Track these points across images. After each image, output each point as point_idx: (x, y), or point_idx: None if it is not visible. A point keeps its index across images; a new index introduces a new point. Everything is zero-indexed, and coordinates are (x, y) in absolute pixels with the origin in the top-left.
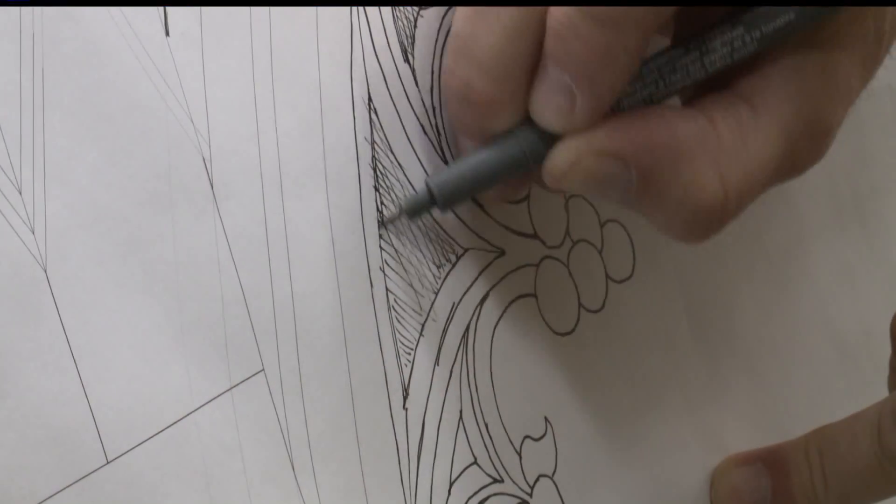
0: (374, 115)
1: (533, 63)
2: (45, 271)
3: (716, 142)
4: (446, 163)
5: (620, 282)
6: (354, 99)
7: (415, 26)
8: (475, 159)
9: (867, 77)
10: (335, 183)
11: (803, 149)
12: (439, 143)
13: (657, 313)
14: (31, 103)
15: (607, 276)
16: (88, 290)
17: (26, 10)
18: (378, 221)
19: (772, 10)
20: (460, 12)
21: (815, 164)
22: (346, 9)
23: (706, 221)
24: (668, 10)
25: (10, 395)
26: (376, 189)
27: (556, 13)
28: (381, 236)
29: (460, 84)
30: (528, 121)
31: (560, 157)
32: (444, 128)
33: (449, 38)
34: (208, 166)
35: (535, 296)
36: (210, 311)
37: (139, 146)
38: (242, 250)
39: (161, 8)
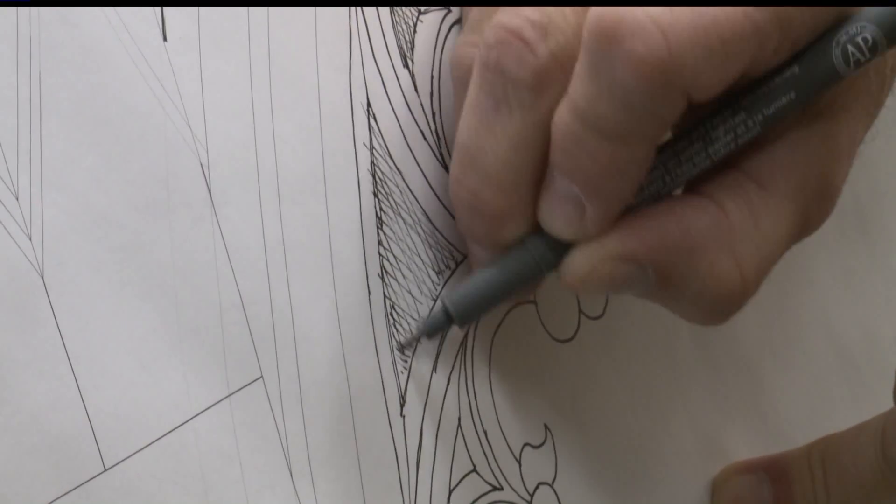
0: (372, 121)
1: (540, 172)
2: (42, 277)
3: (728, 230)
4: (445, 169)
5: None
6: (353, 104)
7: (414, 31)
8: (489, 275)
9: (870, 123)
10: (334, 189)
11: (814, 213)
12: (438, 148)
13: (658, 319)
14: (28, 108)
15: None
16: (85, 296)
17: (23, 13)
18: (395, 347)
19: (771, 91)
20: (465, 123)
21: (826, 221)
22: (345, 14)
23: (726, 306)
24: (674, 117)
25: (7, 401)
26: (375, 195)
27: (560, 125)
28: (380, 242)
29: (469, 195)
30: (538, 229)
31: (576, 266)
32: (443, 133)
33: (455, 149)
34: (206, 172)
35: (534, 302)
36: (208, 317)
37: (136, 151)
38: (240, 256)
39: (159, 12)
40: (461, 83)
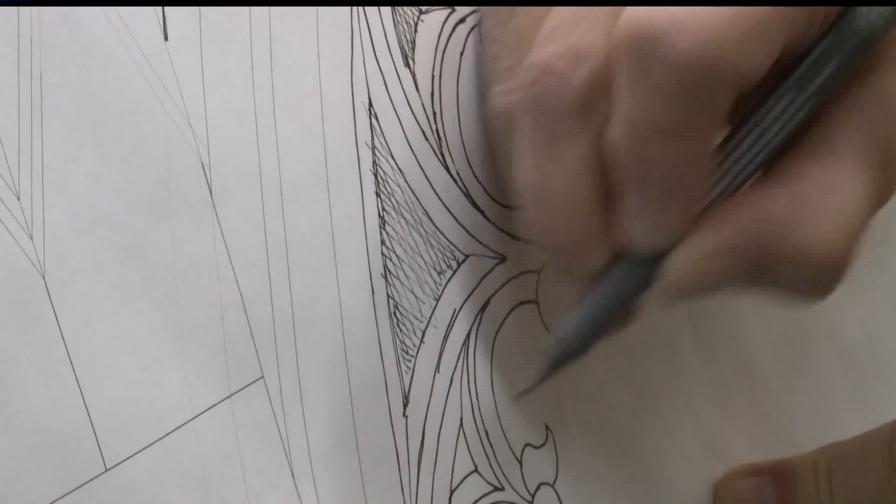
0: (374, 120)
1: (605, 197)
2: (44, 277)
3: (812, 199)
4: (447, 169)
5: None
6: (355, 104)
7: (415, 31)
8: (591, 306)
9: None
10: (336, 188)
11: (890, 171)
12: (440, 148)
13: (660, 321)
14: (30, 108)
15: None
16: (86, 296)
17: (24, 13)
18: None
19: (814, 64)
20: (521, 168)
21: None
22: (347, 13)
23: (828, 275)
24: (727, 104)
25: (8, 402)
26: (377, 195)
27: (617, 140)
28: (382, 242)
29: (545, 234)
30: (618, 259)
31: (676, 269)
32: (444, 132)
33: (520, 196)
34: (207, 172)
35: (536, 302)
36: (209, 317)
37: (138, 152)
38: (242, 256)
39: (160, 11)
40: (505, 133)
